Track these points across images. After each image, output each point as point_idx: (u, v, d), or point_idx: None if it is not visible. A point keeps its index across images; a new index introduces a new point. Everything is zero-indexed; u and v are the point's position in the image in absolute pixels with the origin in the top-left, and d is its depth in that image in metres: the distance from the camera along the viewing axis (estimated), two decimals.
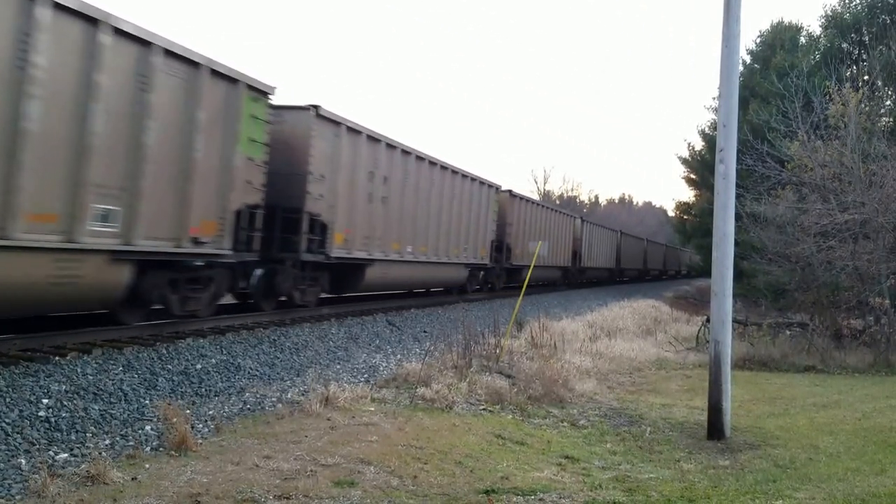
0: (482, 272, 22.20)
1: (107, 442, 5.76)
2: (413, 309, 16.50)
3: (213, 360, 8.72)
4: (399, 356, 11.11)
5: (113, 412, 6.50)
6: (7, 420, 5.78)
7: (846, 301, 15.99)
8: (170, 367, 8.09)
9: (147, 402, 6.93)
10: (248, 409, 7.21)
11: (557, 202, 68.76)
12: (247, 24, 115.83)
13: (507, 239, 23.55)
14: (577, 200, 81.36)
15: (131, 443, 5.72)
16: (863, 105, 18.04)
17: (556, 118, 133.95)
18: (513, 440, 6.95)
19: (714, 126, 28.53)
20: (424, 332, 13.78)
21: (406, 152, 15.68)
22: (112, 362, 7.72)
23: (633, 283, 47.42)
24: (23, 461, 5.13)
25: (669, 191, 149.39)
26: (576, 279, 34.01)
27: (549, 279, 30.48)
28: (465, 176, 19.43)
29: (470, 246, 19.94)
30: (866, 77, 23.42)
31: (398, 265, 15.68)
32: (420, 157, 16.45)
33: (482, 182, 21.05)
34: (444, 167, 17.86)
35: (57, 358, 7.48)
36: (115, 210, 8.12)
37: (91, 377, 7.15)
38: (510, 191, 24.13)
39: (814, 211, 15.98)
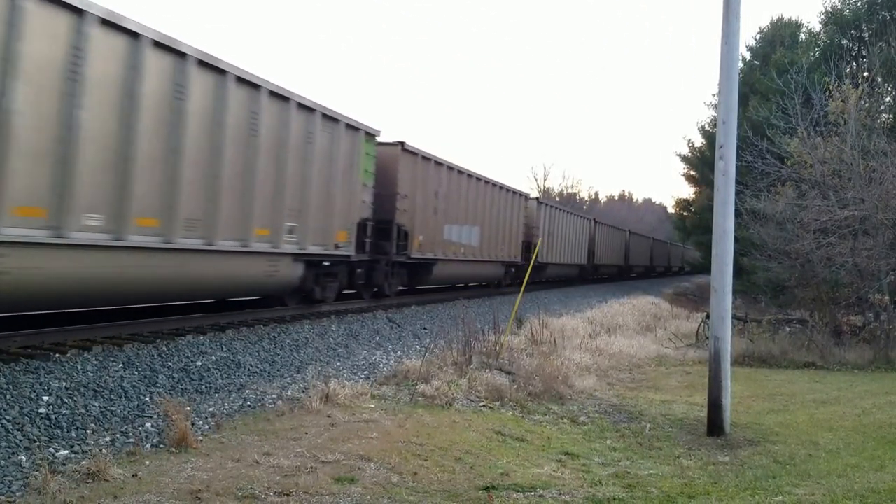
0: (358, 269, 14.43)
1: (107, 439, 5.76)
2: (413, 306, 16.50)
3: (214, 357, 8.73)
4: (399, 353, 11.12)
5: (113, 409, 6.50)
6: (8, 417, 5.79)
7: (846, 297, 15.99)
8: (170, 364, 8.09)
9: (147, 399, 6.94)
10: (249, 405, 7.22)
11: (557, 199, 68.03)
12: (247, 21, 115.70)
13: (399, 218, 15.50)
14: (577, 197, 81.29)
15: (132, 440, 5.73)
16: (862, 101, 18.01)
17: (556, 115, 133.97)
18: (513, 437, 6.96)
19: (714, 123, 28.53)
20: (424, 328, 13.79)
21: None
22: (112, 359, 7.72)
23: (611, 282, 40.90)
24: (23, 458, 5.14)
25: (669, 188, 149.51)
26: (530, 278, 27.50)
27: (488, 278, 23.16)
28: (270, 93, 10.56)
29: (306, 225, 11.69)
30: (866, 73, 23.40)
31: (54, 254, 7.43)
32: (108, 25, 7.74)
33: (329, 116, 12.27)
34: (204, 64, 9.21)
35: (57, 355, 7.48)
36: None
37: (91, 374, 7.15)
38: (402, 143, 15.55)
39: (813, 207, 15.98)
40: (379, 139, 14.54)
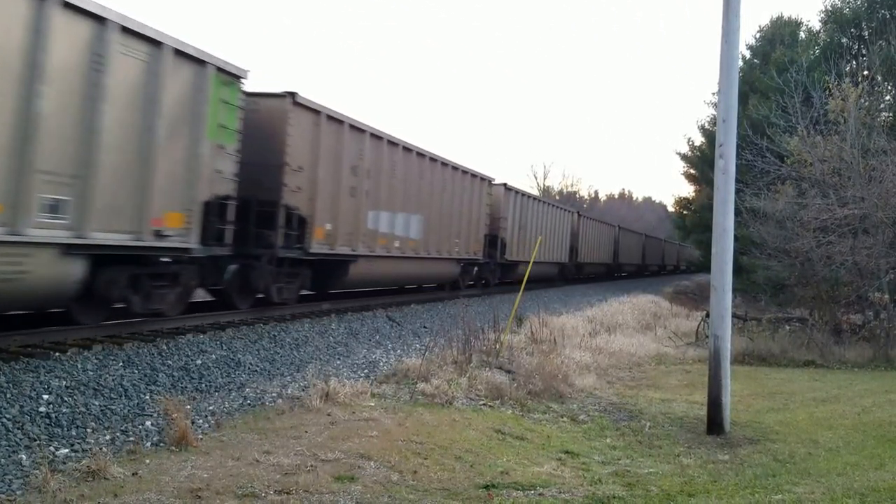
0: (230, 266, 10.89)
1: (107, 437, 5.77)
2: (413, 304, 16.50)
3: (214, 356, 8.73)
4: (399, 351, 11.13)
5: (113, 408, 6.50)
6: (8, 416, 5.79)
7: (846, 296, 16.01)
8: (170, 362, 8.10)
9: (147, 397, 6.94)
10: (249, 404, 7.22)
11: (557, 197, 67.78)
12: (247, 22, 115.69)
13: (289, 199, 11.31)
14: (577, 195, 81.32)
15: (132, 438, 5.73)
16: (862, 100, 18.01)
17: (556, 114, 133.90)
18: (512, 435, 6.97)
19: (714, 121, 28.52)
20: (424, 327, 13.80)
21: None
22: (112, 358, 7.73)
23: (596, 282, 36.91)
24: (23, 457, 5.14)
25: (669, 186, 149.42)
26: (493, 279, 22.77)
27: (438, 278, 19.16)
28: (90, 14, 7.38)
29: (90, 201, 7.69)
30: (866, 72, 23.40)
31: None
32: None
33: (140, 34, 8.23)
34: None
35: (57, 354, 7.48)
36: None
37: (91, 373, 7.15)
38: (293, 94, 11.17)
39: (813, 206, 15.99)
40: (254, 87, 10.67)
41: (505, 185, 22.94)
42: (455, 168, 18.59)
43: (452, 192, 18.42)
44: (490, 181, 21.63)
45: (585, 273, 35.62)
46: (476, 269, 21.50)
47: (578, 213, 34.15)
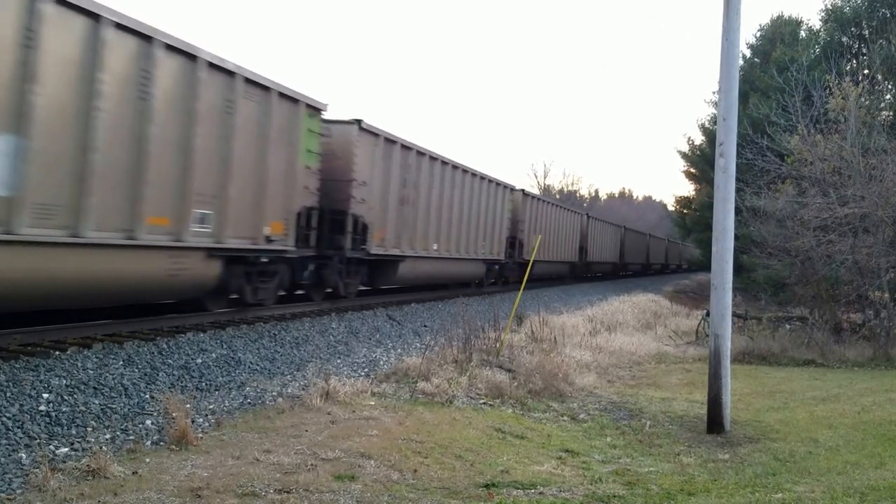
0: None
1: (107, 436, 5.76)
2: (413, 304, 16.49)
3: (214, 355, 8.73)
4: (399, 350, 11.12)
5: (113, 406, 6.50)
6: (8, 415, 5.79)
7: (846, 295, 16.00)
8: (170, 361, 8.09)
9: (147, 396, 6.94)
10: (249, 403, 7.22)
11: (557, 197, 67.52)
12: (247, 20, 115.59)
13: None
14: (578, 195, 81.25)
15: (132, 437, 5.73)
16: (863, 99, 18.01)
17: (556, 112, 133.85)
18: (513, 434, 6.96)
19: (714, 120, 28.52)
20: (425, 326, 13.80)
21: None
22: (112, 357, 7.72)
23: (556, 285, 28.85)
24: (23, 455, 5.14)
25: (669, 185, 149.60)
26: (346, 285, 13.79)
27: (134, 290, 8.73)
28: None
29: None
30: (866, 71, 23.37)
31: None
32: None
33: None
34: None
35: (57, 352, 7.48)
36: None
37: (91, 371, 7.15)
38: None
39: (813, 205, 15.98)
40: None
41: (359, 122, 13.23)
42: (170, 48, 8.52)
43: (177, 103, 8.77)
44: (312, 105, 11.59)
45: (535, 275, 24.35)
46: (312, 267, 12.50)
47: (524, 192, 24.76)
